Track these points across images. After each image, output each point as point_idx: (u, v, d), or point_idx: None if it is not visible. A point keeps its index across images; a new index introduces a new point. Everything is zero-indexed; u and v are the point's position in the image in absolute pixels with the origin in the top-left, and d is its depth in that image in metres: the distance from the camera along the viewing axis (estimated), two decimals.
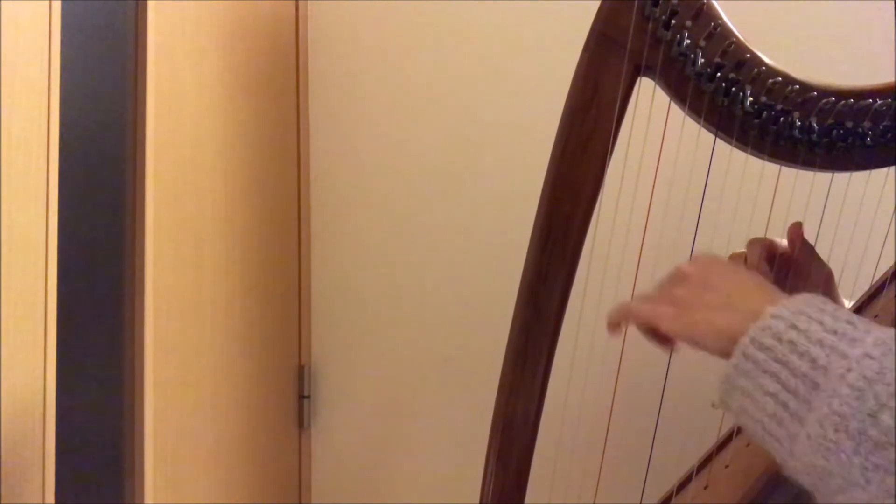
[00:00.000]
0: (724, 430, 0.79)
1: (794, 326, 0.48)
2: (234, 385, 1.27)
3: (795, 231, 0.73)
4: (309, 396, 1.41)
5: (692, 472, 0.78)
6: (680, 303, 0.56)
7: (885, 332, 0.46)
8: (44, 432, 0.95)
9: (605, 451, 0.82)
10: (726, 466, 0.75)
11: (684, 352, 0.76)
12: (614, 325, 0.62)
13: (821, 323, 0.47)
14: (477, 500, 0.72)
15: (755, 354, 0.48)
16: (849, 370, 0.44)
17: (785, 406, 0.47)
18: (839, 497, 0.45)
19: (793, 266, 0.74)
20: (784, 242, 0.75)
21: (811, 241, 0.74)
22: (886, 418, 0.42)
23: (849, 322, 0.47)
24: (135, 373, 1.10)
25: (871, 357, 0.44)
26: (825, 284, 0.74)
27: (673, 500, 0.78)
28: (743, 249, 0.76)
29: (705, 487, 0.76)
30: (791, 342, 0.47)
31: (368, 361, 1.38)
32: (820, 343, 0.46)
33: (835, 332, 0.46)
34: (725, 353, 0.51)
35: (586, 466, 0.86)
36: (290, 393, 1.40)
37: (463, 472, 1.25)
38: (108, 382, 1.09)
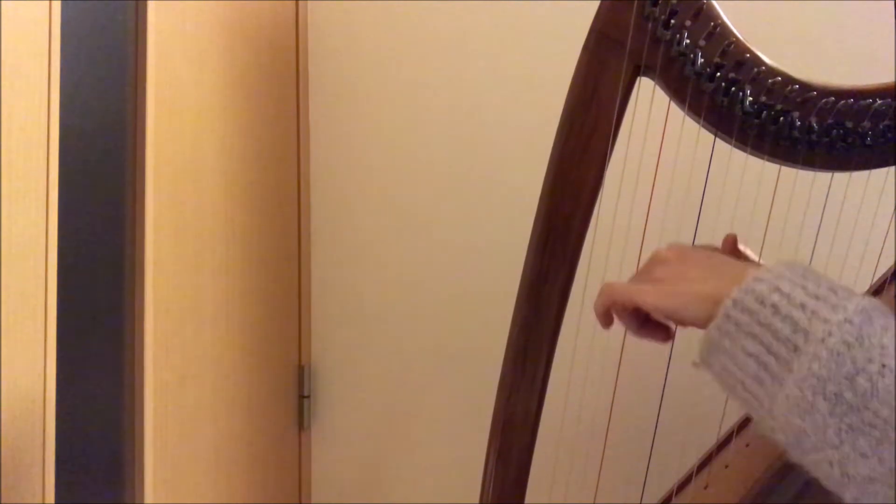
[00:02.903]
0: (724, 430, 0.79)
1: (777, 289, 0.48)
2: (234, 385, 1.27)
3: (727, 244, 0.74)
4: (309, 396, 1.41)
5: (692, 472, 0.78)
6: (660, 279, 0.57)
7: (866, 300, 0.47)
8: (44, 432, 0.95)
9: (605, 451, 0.82)
10: (726, 466, 0.75)
11: (685, 351, 0.76)
12: (602, 314, 0.61)
13: (803, 288, 0.48)
14: (477, 500, 0.72)
15: (738, 316, 0.49)
16: (829, 334, 0.45)
17: (766, 367, 0.48)
18: (812, 455, 0.46)
19: None
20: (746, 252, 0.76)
21: (811, 241, 0.74)
22: (862, 382, 0.44)
23: (830, 289, 0.48)
24: (135, 373, 1.10)
25: (851, 323, 0.45)
26: None
27: (673, 500, 0.78)
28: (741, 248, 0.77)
29: (705, 487, 0.76)
30: (774, 305, 0.48)
31: (368, 361, 1.38)
32: (802, 307, 0.47)
33: (817, 298, 0.47)
34: (708, 321, 0.52)
35: (586, 466, 0.86)
36: (290, 393, 1.40)
37: (463, 472, 1.25)
38: (108, 382, 1.09)
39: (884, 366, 0.44)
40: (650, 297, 0.56)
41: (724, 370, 0.51)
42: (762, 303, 0.48)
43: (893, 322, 0.46)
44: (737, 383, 0.50)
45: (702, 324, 0.52)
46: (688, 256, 0.58)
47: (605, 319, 0.62)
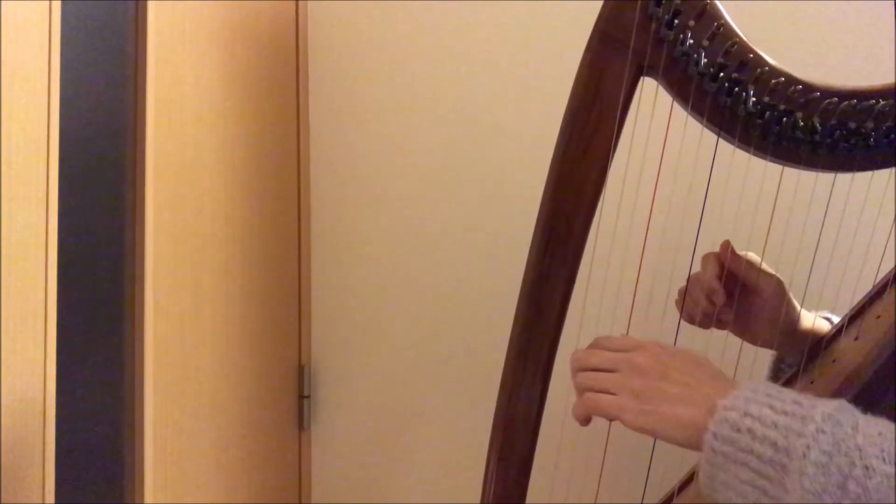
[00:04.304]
0: None
1: (747, 414, 0.51)
2: (234, 385, 1.27)
3: (723, 252, 0.75)
4: (309, 396, 1.41)
5: (693, 472, 0.78)
6: (640, 395, 0.58)
7: (829, 404, 0.50)
8: (44, 432, 0.95)
9: (607, 452, 0.82)
10: None
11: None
12: (582, 418, 0.63)
13: (770, 406, 0.51)
14: (478, 501, 0.72)
15: (721, 448, 0.52)
16: (808, 448, 0.48)
17: (764, 491, 0.50)
18: None
19: (740, 283, 0.76)
20: (749, 255, 0.77)
21: (813, 241, 0.74)
22: (853, 487, 0.46)
23: (795, 401, 0.51)
24: (135, 373, 1.10)
25: (823, 431, 0.48)
26: (775, 296, 0.76)
27: (674, 501, 0.78)
28: (743, 250, 0.77)
29: None
30: (749, 430, 0.51)
31: (368, 361, 1.38)
32: (775, 426, 0.50)
33: (785, 413, 0.50)
34: (691, 445, 0.55)
35: (587, 466, 0.86)
36: (290, 393, 1.40)
37: (464, 472, 1.25)
38: (108, 382, 1.09)
39: (867, 467, 0.46)
40: (631, 417, 0.58)
41: (730, 501, 0.53)
42: (738, 430, 0.51)
43: (859, 418, 0.49)
44: None
45: (682, 446, 0.55)
46: (666, 369, 0.59)
47: (584, 422, 0.63)
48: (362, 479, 1.39)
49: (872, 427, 0.48)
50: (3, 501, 0.90)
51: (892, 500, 0.45)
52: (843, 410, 0.50)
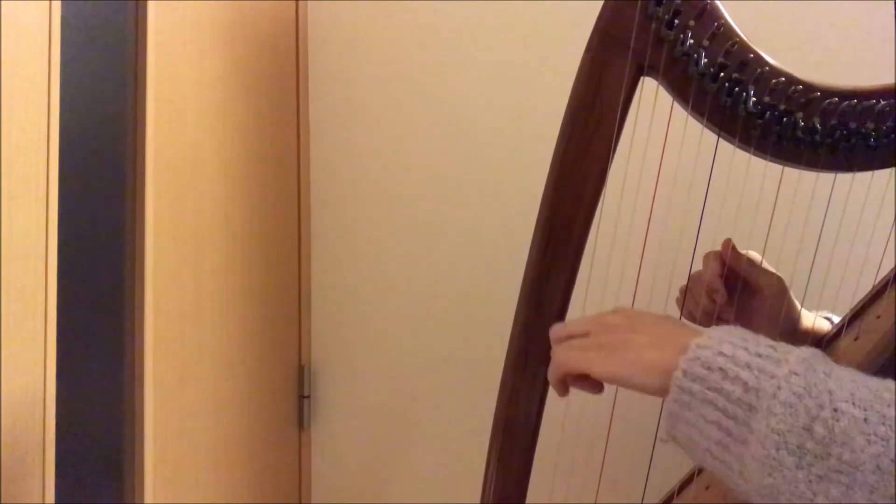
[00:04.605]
0: None
1: (720, 353, 0.50)
2: (234, 385, 1.27)
3: (725, 251, 0.75)
4: (309, 396, 1.41)
5: (693, 472, 0.78)
6: (608, 346, 0.58)
7: (805, 351, 0.49)
8: (44, 432, 0.95)
9: (606, 452, 0.82)
10: None
11: None
12: (557, 383, 0.62)
13: (745, 348, 0.50)
14: (477, 501, 0.72)
15: (690, 386, 0.51)
16: (779, 388, 0.47)
17: (728, 431, 0.49)
18: None
19: (741, 281, 0.76)
20: (750, 253, 0.76)
21: (814, 241, 0.74)
22: (819, 429, 0.45)
23: (770, 346, 0.50)
24: (135, 373, 1.10)
25: (796, 374, 0.47)
26: (776, 295, 0.76)
27: (674, 501, 0.78)
28: (744, 249, 0.77)
29: (707, 488, 0.76)
30: (721, 369, 0.50)
31: (368, 361, 1.38)
32: (748, 366, 0.49)
33: (759, 355, 0.49)
34: (660, 390, 0.53)
35: (587, 467, 0.86)
36: (290, 393, 1.40)
37: (463, 473, 1.25)
38: (108, 382, 1.09)
39: (835, 409, 0.45)
40: (599, 366, 0.57)
41: (691, 440, 0.52)
42: (709, 368, 0.50)
43: (833, 366, 0.48)
44: (705, 453, 0.51)
45: (651, 391, 0.54)
46: (635, 323, 0.58)
47: (561, 388, 0.63)
48: (362, 479, 1.39)
49: (846, 374, 0.48)
50: (3, 501, 0.90)
51: (858, 444, 0.44)
52: (817, 356, 0.49)
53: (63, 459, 0.97)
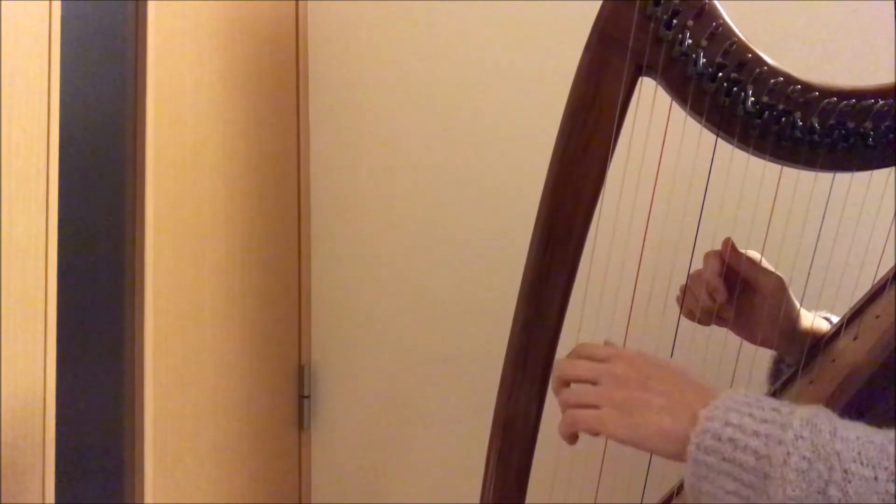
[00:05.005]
0: None
1: (728, 423, 0.52)
2: (234, 385, 1.27)
3: (724, 250, 0.75)
4: (309, 396, 1.41)
5: None
6: (622, 407, 0.58)
7: (808, 410, 0.51)
8: (44, 432, 0.95)
9: (606, 451, 0.82)
10: None
11: (685, 351, 0.76)
12: (567, 437, 0.62)
13: (750, 415, 0.52)
14: (477, 501, 0.72)
15: (704, 458, 0.52)
16: (788, 454, 0.49)
17: (747, 500, 0.51)
18: None
19: (741, 280, 0.76)
20: (750, 252, 0.77)
21: (812, 241, 0.74)
22: (834, 492, 0.47)
23: (773, 409, 0.52)
24: (135, 373, 1.10)
25: (801, 437, 0.49)
26: (775, 294, 0.76)
27: (674, 501, 0.78)
28: (743, 248, 0.77)
29: None
30: (731, 439, 0.51)
31: (368, 361, 1.38)
32: (755, 434, 0.51)
33: (765, 421, 0.51)
34: (675, 456, 0.55)
35: (587, 466, 0.85)
36: (290, 393, 1.40)
37: (463, 472, 1.25)
38: (108, 382, 1.09)
39: (846, 471, 0.47)
40: (613, 429, 0.58)
41: None
42: (720, 440, 0.52)
43: (837, 423, 0.50)
44: None
45: (667, 457, 0.56)
46: (647, 378, 0.59)
47: (571, 440, 0.63)
48: (362, 479, 1.39)
49: (850, 431, 0.49)
50: (3, 501, 0.90)
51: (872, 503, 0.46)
52: (820, 415, 0.50)
53: (63, 459, 0.97)
